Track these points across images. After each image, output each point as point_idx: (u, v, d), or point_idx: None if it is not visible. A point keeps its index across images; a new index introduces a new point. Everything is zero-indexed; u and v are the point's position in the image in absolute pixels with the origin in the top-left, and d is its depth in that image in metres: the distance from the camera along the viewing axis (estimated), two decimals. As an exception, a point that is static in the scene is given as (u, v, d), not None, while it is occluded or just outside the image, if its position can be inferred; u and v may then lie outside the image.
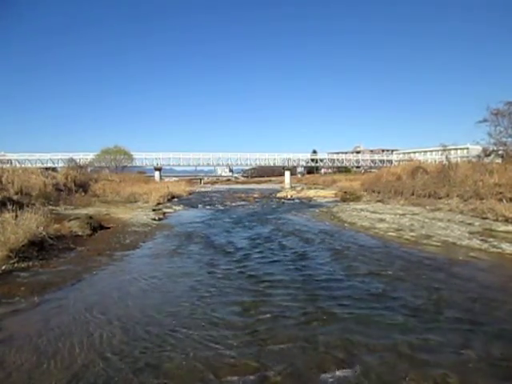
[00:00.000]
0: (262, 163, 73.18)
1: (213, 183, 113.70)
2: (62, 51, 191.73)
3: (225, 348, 4.79)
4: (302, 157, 75.39)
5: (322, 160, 76.29)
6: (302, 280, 7.45)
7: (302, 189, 49.77)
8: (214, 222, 17.18)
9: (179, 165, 70.44)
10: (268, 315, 5.70)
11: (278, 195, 41.00)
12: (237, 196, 39.05)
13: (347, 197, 29.51)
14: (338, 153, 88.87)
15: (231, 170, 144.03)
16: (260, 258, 9.46)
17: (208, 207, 26.84)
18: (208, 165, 73.23)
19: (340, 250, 10.22)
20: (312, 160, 75.95)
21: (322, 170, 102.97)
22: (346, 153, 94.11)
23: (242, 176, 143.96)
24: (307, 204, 29.02)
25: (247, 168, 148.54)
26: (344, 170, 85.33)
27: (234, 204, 29.44)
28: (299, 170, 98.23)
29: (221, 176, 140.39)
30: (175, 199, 33.69)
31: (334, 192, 36.65)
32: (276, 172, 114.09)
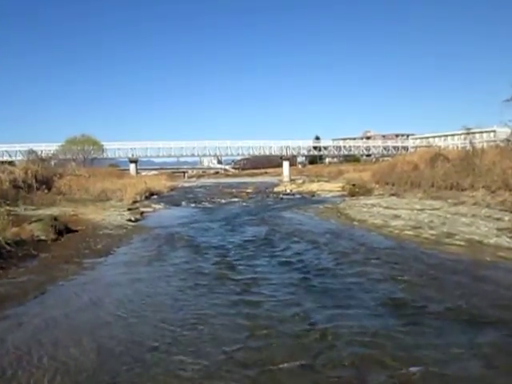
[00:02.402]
0: (256, 152, 73.31)
1: (198, 177, 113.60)
2: (20, 30, 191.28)
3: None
4: (303, 144, 75.51)
5: (326, 148, 76.51)
6: (305, 287, 7.46)
7: (304, 182, 49.84)
8: (200, 223, 17.16)
9: (158, 156, 70.37)
10: (272, 340, 5.32)
11: (276, 190, 41.06)
12: (227, 191, 39.07)
13: (356, 190, 29.60)
14: (344, 139, 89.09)
15: (220, 161, 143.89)
16: (254, 264, 9.47)
17: (193, 205, 26.80)
18: (192, 155, 73.22)
19: (348, 253, 10.25)
20: (315, 148, 76.10)
21: (327, 160, 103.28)
22: (355, 139, 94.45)
23: (233, 168, 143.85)
24: (310, 199, 29.06)
25: (239, 158, 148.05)
26: (352, 159, 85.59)
27: (223, 201, 29.44)
28: (300, 159, 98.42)
29: (208, 168, 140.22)
30: (154, 196, 33.63)
31: (340, 185, 36.73)
32: (273, 163, 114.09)
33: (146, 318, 6.20)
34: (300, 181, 53.80)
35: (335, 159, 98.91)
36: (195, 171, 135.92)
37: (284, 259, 9.81)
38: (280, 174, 76.49)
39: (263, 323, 5.85)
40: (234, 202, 28.74)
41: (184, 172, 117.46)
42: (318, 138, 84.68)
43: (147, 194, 32.15)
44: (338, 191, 33.70)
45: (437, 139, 77.30)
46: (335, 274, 8.37)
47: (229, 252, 10.81)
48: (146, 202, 26.90)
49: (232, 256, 10.29)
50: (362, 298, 6.84)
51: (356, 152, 78.04)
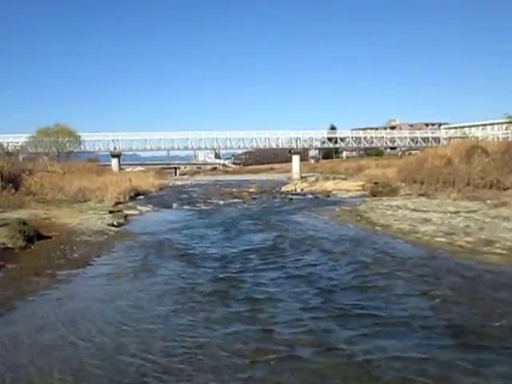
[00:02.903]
0: (261, 145, 73.16)
1: (192, 174, 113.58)
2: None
3: None
4: (316, 135, 75.31)
5: (343, 139, 76.32)
6: (322, 308, 7.38)
7: (317, 179, 49.73)
8: (195, 229, 17.18)
9: (145, 149, 70.36)
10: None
11: (284, 189, 41.03)
12: (226, 191, 39.11)
13: (379, 190, 29.55)
14: (365, 129, 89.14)
15: (218, 156, 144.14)
16: (260, 279, 9.43)
17: (186, 207, 26.83)
18: (186, 148, 72.99)
19: (370, 265, 10.23)
20: (330, 140, 75.87)
21: (344, 154, 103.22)
22: (377, 129, 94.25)
23: (233, 163, 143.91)
24: (324, 200, 29.02)
25: (240, 152, 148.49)
26: (374, 152, 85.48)
27: (222, 202, 29.46)
28: (312, 153, 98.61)
29: (204, 164, 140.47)
30: (141, 196, 33.70)
31: (360, 183, 36.65)
32: (280, 157, 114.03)
33: (127, 347, 6.01)
34: (312, 178, 53.70)
35: (354, 153, 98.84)
36: (188, 167, 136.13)
37: (295, 273, 9.78)
38: (289, 171, 76.43)
39: (276, 356, 5.60)
40: (235, 203, 28.74)
41: (175, 168, 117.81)
42: (333, 128, 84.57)
43: (132, 194, 32.21)
44: (358, 191, 33.62)
45: (474, 129, 77.25)
46: (356, 291, 8.33)
47: (229, 264, 10.79)
48: (131, 204, 26.94)
49: (233, 269, 10.26)
50: (388, 318, 6.80)
51: (379, 144, 77.82)
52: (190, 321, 6.97)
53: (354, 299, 7.79)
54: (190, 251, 12.51)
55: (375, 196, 27.62)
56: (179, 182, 64.70)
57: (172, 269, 10.42)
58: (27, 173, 27.58)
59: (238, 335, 6.37)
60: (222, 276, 9.57)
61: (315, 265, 10.48)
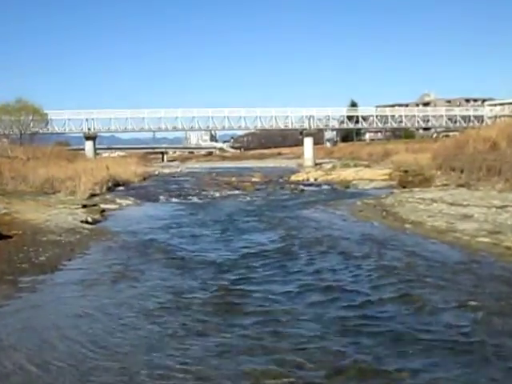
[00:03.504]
0: (267, 125, 73.24)
1: (183, 160, 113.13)
2: None
3: None
4: (334, 113, 74.98)
5: (366, 118, 76.07)
6: (342, 325, 7.29)
7: (334, 167, 49.62)
8: (187, 227, 17.22)
9: (126, 130, 70.18)
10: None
11: (294, 178, 40.99)
12: (224, 181, 39.10)
13: (409, 179, 29.46)
14: (392, 106, 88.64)
15: (214, 138, 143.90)
16: (266, 289, 9.28)
17: (175, 201, 26.86)
18: (175, 129, 72.74)
19: (398, 270, 10.19)
20: (350, 119, 75.58)
21: (367, 136, 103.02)
22: (407, 105, 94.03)
23: (233, 147, 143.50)
24: (342, 192, 28.95)
25: (241, 134, 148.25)
26: (403, 134, 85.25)
27: (218, 195, 29.49)
28: (328, 135, 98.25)
29: (197, 148, 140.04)
30: (120, 187, 33.72)
31: (386, 172, 36.55)
32: (289, 140, 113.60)
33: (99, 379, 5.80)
34: (328, 165, 53.63)
35: (379, 135, 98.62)
36: (178, 152, 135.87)
37: (310, 283, 9.61)
38: (300, 156, 76.32)
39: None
40: (234, 196, 28.75)
41: (163, 153, 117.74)
42: (354, 105, 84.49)
43: (110, 185, 32.21)
44: (383, 180, 33.52)
45: (525, 106, 76.70)
46: (385, 304, 8.22)
47: (228, 272, 10.69)
48: (109, 196, 26.96)
49: (233, 278, 10.12)
50: (423, 339, 6.70)
51: (409, 124, 77.63)
52: (181, 343, 6.72)
53: (384, 316, 7.65)
54: (180, 255, 12.49)
55: (404, 187, 27.50)
56: (167, 170, 64.68)
57: (159, 277, 10.37)
58: (-17, 159, 27.61)
59: (246, 375, 5.86)
60: (219, 287, 9.37)
61: (334, 272, 10.40)
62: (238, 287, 9.49)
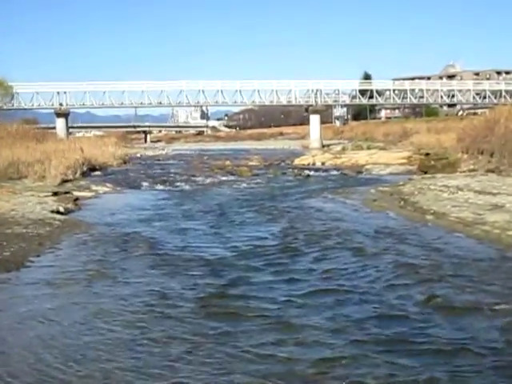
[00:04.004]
0: (266, 100, 73.05)
1: (170, 140, 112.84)
2: None
3: None
4: (344, 87, 74.89)
5: (381, 93, 75.87)
6: (357, 342, 7.09)
7: (344, 149, 49.53)
8: (173, 219, 17.22)
9: (103, 105, 69.87)
10: None
11: (298, 162, 40.87)
12: (216, 165, 38.99)
13: (431, 163, 29.45)
14: (412, 79, 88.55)
15: (205, 116, 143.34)
16: (266, 295, 9.04)
17: (160, 188, 26.86)
18: (160, 104, 72.39)
19: (419, 269, 10.15)
20: (363, 93, 75.27)
21: (383, 113, 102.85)
22: (429, 78, 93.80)
23: (227, 126, 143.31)
24: (354, 178, 28.93)
25: (236, 111, 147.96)
26: (425, 111, 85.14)
27: (210, 181, 29.49)
28: (338, 112, 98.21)
29: (185, 126, 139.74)
30: (97, 172, 33.66)
31: (405, 155, 36.54)
32: (293, 117, 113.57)
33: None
34: (338, 147, 53.59)
35: (397, 112, 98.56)
36: (164, 131, 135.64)
37: (315, 284, 9.49)
38: (304, 137, 76.29)
39: None
40: (229, 182, 28.71)
41: (146, 132, 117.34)
42: (367, 78, 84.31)
43: (85, 169, 32.06)
44: (402, 165, 33.50)
45: None
46: (403, 308, 8.16)
47: (221, 271, 10.58)
48: (84, 182, 26.90)
49: (227, 278, 10.02)
50: (451, 350, 6.67)
51: (431, 100, 77.46)
52: (166, 361, 6.49)
53: (407, 324, 7.49)
54: (165, 251, 12.44)
55: (426, 172, 27.49)
56: (151, 152, 64.56)
57: (140, 277, 10.28)
58: None
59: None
60: (212, 290, 9.24)
61: (345, 272, 10.28)
62: (233, 292, 9.26)
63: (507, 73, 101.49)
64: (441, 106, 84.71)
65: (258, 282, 9.94)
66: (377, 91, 75.17)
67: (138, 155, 57.16)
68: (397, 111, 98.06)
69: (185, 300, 8.88)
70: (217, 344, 6.95)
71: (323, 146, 61.99)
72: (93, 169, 34.16)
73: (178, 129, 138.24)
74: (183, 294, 9.24)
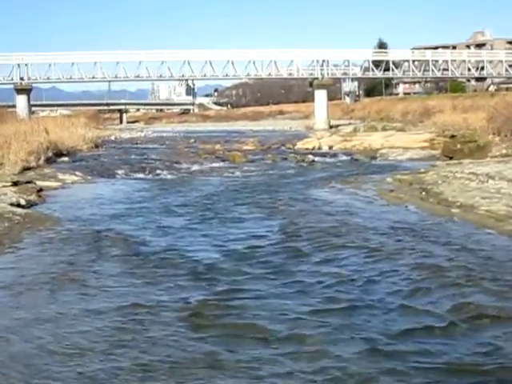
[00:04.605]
0: (263, 73, 73.06)
1: (149, 120, 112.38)
2: None
3: None
4: (355, 57, 74.58)
5: (398, 65, 75.67)
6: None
7: (355, 131, 49.44)
8: (153, 213, 17.24)
9: (71, 80, 69.48)
10: None
11: (301, 146, 40.79)
12: (205, 150, 38.98)
13: (457, 147, 29.40)
14: (435, 48, 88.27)
15: (192, 91, 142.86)
16: (264, 308, 8.78)
17: (138, 176, 26.89)
18: (138, 79, 72.00)
19: (444, 271, 10.14)
20: (377, 64, 74.90)
21: (401, 88, 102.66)
22: (455, 47, 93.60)
23: (217, 103, 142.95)
24: (367, 165, 28.92)
25: (228, 85, 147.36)
26: (450, 86, 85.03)
27: (197, 168, 29.48)
28: (348, 87, 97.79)
29: (168, 104, 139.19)
30: (64, 158, 33.58)
31: (426, 137, 36.50)
32: (295, 93, 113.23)
33: None
34: (348, 129, 53.55)
35: (417, 86, 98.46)
36: (143, 110, 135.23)
37: (324, 294, 9.28)
38: (308, 116, 76.08)
39: None
40: (220, 170, 28.71)
41: (121, 111, 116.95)
42: (383, 47, 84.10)
43: (50, 154, 31.98)
44: (423, 149, 33.53)
45: None
46: (430, 321, 8.04)
47: (210, 276, 10.48)
48: (49, 170, 26.81)
49: (218, 286, 9.91)
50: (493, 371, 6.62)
51: (457, 73, 77.37)
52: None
53: (438, 342, 7.41)
54: (145, 252, 12.44)
55: (451, 158, 27.50)
56: (127, 135, 64.47)
57: (115, 283, 10.20)
58: None
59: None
60: (200, 304, 8.99)
61: (358, 278, 10.15)
62: (225, 305, 8.98)
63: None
64: (468, 80, 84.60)
65: (255, 294, 9.65)
66: (393, 62, 75.05)
67: (113, 138, 57.09)
68: (417, 86, 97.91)
69: (167, 315, 8.56)
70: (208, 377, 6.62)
71: (330, 127, 61.93)
72: (59, 154, 34.09)
73: (159, 107, 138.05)
74: (165, 307, 8.94)
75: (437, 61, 76.43)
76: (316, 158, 32.50)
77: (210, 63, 69.59)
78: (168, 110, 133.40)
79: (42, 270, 10.92)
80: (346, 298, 9.13)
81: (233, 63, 70.10)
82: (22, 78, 66.04)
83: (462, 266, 10.54)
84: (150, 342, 7.59)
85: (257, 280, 10.41)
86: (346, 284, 9.93)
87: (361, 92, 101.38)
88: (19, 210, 16.52)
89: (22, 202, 17.61)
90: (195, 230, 14.80)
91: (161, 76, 72.71)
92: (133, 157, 36.80)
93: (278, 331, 7.88)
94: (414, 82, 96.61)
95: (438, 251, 11.64)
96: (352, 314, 8.49)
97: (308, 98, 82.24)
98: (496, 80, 79.89)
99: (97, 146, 44.43)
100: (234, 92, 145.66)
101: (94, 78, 70.05)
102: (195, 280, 10.45)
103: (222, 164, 31.00)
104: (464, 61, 76.86)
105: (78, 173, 26.32)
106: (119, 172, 27.97)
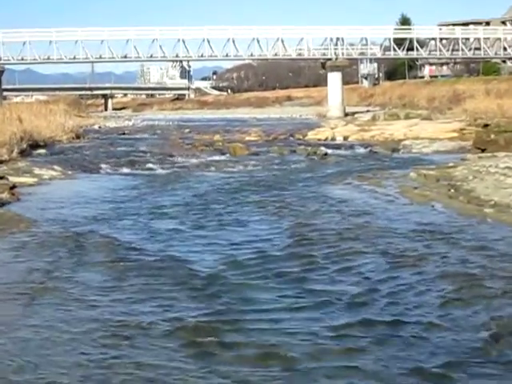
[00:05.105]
0: (269, 53, 73.16)
1: (138, 107, 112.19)
2: None
3: None
4: (374, 34, 74.43)
5: (423, 44, 75.41)
6: None
7: (374, 119, 49.36)
8: (142, 214, 17.22)
9: (50, 60, 69.41)
10: None
11: (312, 136, 40.81)
12: (202, 141, 39.07)
13: (490, 138, 29.35)
14: (466, 24, 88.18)
15: (187, 75, 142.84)
16: (277, 331, 8.62)
17: (125, 171, 26.97)
18: (125, 59, 71.83)
19: (479, 280, 10.12)
20: (399, 43, 74.78)
21: (426, 70, 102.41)
22: (488, 23, 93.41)
23: (216, 88, 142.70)
24: (387, 158, 28.88)
25: (229, 67, 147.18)
26: (482, 68, 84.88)
27: (193, 162, 29.58)
28: (366, 69, 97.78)
29: (160, 89, 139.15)
30: (41, 150, 33.54)
31: (455, 127, 36.47)
32: (305, 76, 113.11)
33: None
34: (366, 117, 53.52)
35: (445, 68, 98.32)
36: (131, 95, 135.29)
37: (342, 312, 9.02)
38: (321, 102, 76.13)
39: None
40: (219, 164, 28.68)
41: (106, 97, 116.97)
42: (406, 23, 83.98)
43: (25, 146, 32.00)
44: (452, 139, 33.49)
45: None
46: (470, 342, 8.00)
47: (210, 288, 10.32)
48: (23, 164, 26.84)
49: (218, 300, 9.67)
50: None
51: (491, 53, 77.25)
52: None
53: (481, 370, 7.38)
54: (133, 259, 12.42)
55: (484, 150, 27.45)
56: (113, 123, 64.48)
57: (100, 295, 10.14)
58: None
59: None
60: (199, 322, 8.72)
61: (381, 291, 10.02)
62: (226, 324, 8.66)
63: None
64: (504, 61, 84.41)
65: (261, 310, 9.37)
66: (418, 41, 74.98)
67: (96, 127, 57.13)
68: (445, 68, 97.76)
69: (160, 335, 8.32)
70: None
71: (346, 115, 61.99)
72: (35, 146, 34.12)
73: (149, 92, 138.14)
74: (157, 327, 8.62)
75: (467, 39, 76.40)
76: (329, 151, 32.43)
77: (208, 42, 69.60)
78: (160, 95, 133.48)
79: (15, 280, 10.90)
80: (366, 317, 8.80)
81: (234, 42, 70.07)
82: (-9, 59, 66.08)
83: (497, 274, 10.52)
84: (138, 370, 7.23)
85: (265, 294, 10.10)
86: (369, 299, 9.64)
87: (380, 75, 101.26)
88: (-11, 211, 16.56)
89: (-7, 201, 17.63)
90: (191, 234, 14.77)
91: (151, 56, 72.66)
92: (119, 149, 36.82)
93: (298, 361, 7.43)
94: (442, 64, 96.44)
95: (469, 257, 11.61)
96: (372, 335, 8.15)
97: (320, 81, 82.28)
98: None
99: (78, 137, 44.37)
100: (235, 75, 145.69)
101: (74, 58, 69.99)
102: (192, 293, 10.16)
103: (221, 157, 31.01)
104: (499, 39, 76.76)
105: (56, 167, 26.30)
106: (104, 166, 27.94)
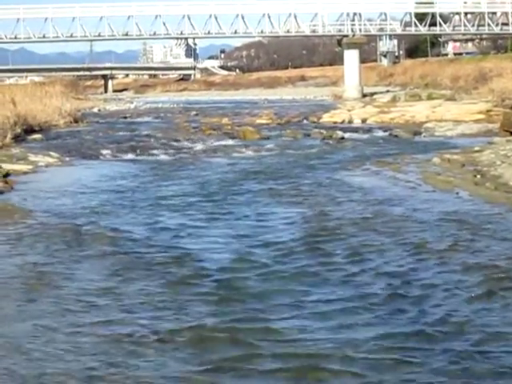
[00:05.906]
0: (280, 30, 73.50)
1: (140, 88, 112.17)
2: None
3: None
4: (394, 9, 74.10)
5: (447, 19, 74.94)
6: None
7: (394, 100, 49.18)
8: (146, 204, 17.20)
9: (45, 39, 69.29)
10: None
11: (327, 119, 40.68)
12: (209, 125, 39.07)
13: (520, 120, 29.24)
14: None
15: (193, 53, 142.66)
16: (299, 333, 8.37)
17: (127, 157, 27.03)
18: (126, 37, 71.70)
19: (507, 271, 10.07)
20: (420, 19, 74.46)
21: (450, 47, 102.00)
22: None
23: (224, 67, 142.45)
24: (409, 142, 28.82)
25: (238, 46, 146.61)
26: (511, 44, 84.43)
27: (199, 147, 29.59)
28: (385, 46, 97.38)
29: (164, 69, 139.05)
30: (36, 135, 33.56)
31: (481, 108, 36.33)
32: (319, 55, 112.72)
33: None
34: (386, 97, 53.38)
35: (470, 45, 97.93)
36: (132, 76, 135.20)
37: (366, 313, 8.65)
38: (336, 83, 76.06)
39: None
40: (228, 149, 28.73)
41: (106, 78, 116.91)
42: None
43: (19, 131, 32.01)
44: (478, 122, 33.38)
45: None
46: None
47: (223, 288, 9.89)
48: (17, 150, 26.88)
49: (234, 304, 9.14)
50: None
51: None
52: None
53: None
54: (135, 252, 12.40)
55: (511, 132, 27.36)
56: (113, 106, 64.53)
57: (99, 294, 10.00)
58: None
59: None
60: (214, 329, 8.04)
61: (407, 287, 9.71)
62: (250, 332, 7.97)
63: None
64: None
65: (289, 319, 8.52)
66: (441, 16, 74.68)
67: (96, 110, 57.23)
68: (470, 44, 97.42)
69: (168, 346, 7.68)
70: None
71: (364, 96, 61.92)
72: (30, 131, 34.18)
73: (152, 72, 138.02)
74: (166, 332, 8.04)
75: (494, 13, 76.05)
76: (346, 135, 32.45)
77: (215, 18, 69.45)
78: (163, 75, 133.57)
79: (9, 274, 10.86)
80: (395, 321, 8.33)
81: (243, 17, 69.92)
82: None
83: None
84: (138, 371, 6.89)
85: (285, 297, 9.45)
86: (382, 290, 9.48)
87: (401, 52, 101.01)
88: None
89: (-15, 190, 17.65)
90: (198, 226, 14.68)
91: (154, 34, 72.73)
92: (121, 133, 36.83)
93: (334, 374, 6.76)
94: (467, 40, 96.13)
95: (498, 248, 11.53)
96: (400, 340, 7.63)
97: (336, 60, 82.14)
98: None
99: (76, 121, 44.42)
100: (244, 53, 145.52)
101: (72, 36, 70.06)
102: (204, 295, 9.64)
103: (230, 142, 31.04)
104: (529, 13, 76.50)
105: (53, 153, 26.31)
106: (104, 152, 27.96)
